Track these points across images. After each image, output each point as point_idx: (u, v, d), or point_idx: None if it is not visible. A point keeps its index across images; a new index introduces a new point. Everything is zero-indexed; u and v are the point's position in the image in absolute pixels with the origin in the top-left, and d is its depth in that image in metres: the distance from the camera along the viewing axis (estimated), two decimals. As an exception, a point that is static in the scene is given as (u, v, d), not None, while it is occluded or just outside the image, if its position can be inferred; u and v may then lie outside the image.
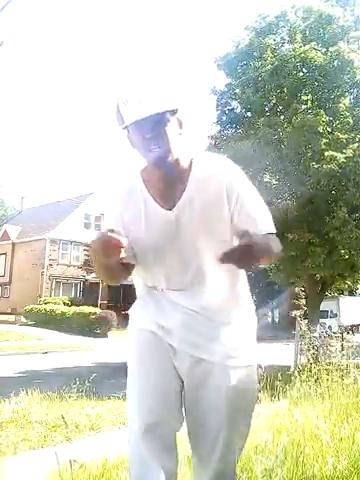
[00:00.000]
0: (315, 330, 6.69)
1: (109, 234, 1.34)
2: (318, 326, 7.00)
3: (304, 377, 3.98)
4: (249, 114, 14.01)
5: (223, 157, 1.64)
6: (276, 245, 1.56)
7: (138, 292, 1.74)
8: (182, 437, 1.68)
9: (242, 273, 1.66)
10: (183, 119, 1.54)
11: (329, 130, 12.43)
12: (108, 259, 1.40)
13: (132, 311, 1.74)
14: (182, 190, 1.54)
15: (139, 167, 1.64)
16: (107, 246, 1.35)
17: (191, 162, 1.57)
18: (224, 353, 1.55)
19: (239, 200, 1.53)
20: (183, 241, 1.54)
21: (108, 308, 25.56)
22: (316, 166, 11.48)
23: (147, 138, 1.44)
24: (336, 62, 12.32)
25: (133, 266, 1.61)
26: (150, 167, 1.55)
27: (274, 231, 1.56)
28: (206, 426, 1.56)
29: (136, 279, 1.73)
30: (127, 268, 1.59)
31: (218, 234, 1.54)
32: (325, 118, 12.10)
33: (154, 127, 1.44)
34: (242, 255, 1.35)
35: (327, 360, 4.66)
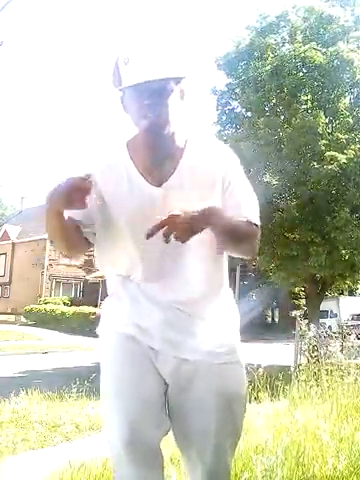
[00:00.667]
0: (313, 330, 6.68)
1: (75, 177, 1.19)
2: (312, 326, 6.99)
3: (304, 377, 3.98)
4: (249, 114, 14.00)
5: (221, 143, 1.52)
6: (252, 235, 1.43)
7: (110, 287, 1.55)
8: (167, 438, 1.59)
9: (224, 264, 1.51)
10: (186, 90, 1.39)
11: (329, 131, 12.43)
12: (66, 206, 1.24)
13: (104, 310, 1.57)
14: (172, 169, 1.38)
15: (125, 137, 1.45)
16: (69, 190, 1.20)
17: (186, 142, 1.41)
18: (208, 351, 1.41)
19: (231, 189, 1.41)
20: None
21: (108, 308, 25.53)
22: (316, 166, 11.47)
23: (145, 104, 1.28)
24: (336, 62, 12.31)
25: (93, 237, 1.43)
26: (141, 137, 1.38)
27: (257, 223, 1.44)
28: (194, 428, 1.43)
29: (108, 271, 1.56)
30: (85, 240, 1.43)
31: None
32: (325, 119, 12.11)
33: (154, 93, 1.28)
34: (203, 215, 1.23)
35: (327, 360, 4.66)
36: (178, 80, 1.35)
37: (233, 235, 1.35)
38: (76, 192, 1.20)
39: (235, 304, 1.58)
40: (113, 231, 1.41)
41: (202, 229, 1.25)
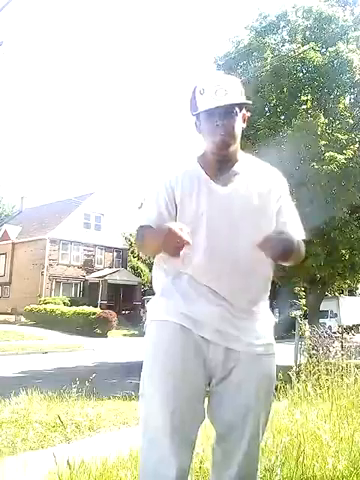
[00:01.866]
0: (308, 330, 6.68)
1: (179, 232, 1.45)
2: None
3: (304, 377, 3.98)
4: (249, 114, 13.99)
5: (270, 165, 1.82)
6: (303, 250, 1.71)
7: (160, 285, 1.73)
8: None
9: (271, 268, 1.74)
10: (246, 117, 1.73)
11: (329, 131, 12.44)
12: (164, 252, 1.53)
13: (153, 303, 1.74)
14: (235, 175, 1.70)
15: (196, 154, 1.79)
16: (171, 244, 1.47)
17: (243, 156, 1.76)
18: (251, 343, 1.65)
19: (282, 203, 1.74)
20: (234, 219, 1.65)
21: (108, 308, 25.56)
22: (316, 166, 11.48)
23: (217, 125, 1.62)
24: (335, 62, 12.31)
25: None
26: (211, 151, 1.69)
27: (304, 238, 1.73)
28: (234, 410, 1.64)
29: (158, 271, 1.76)
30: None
31: (263, 223, 1.66)
32: (324, 119, 12.11)
33: (225, 116, 1.62)
34: (276, 243, 1.51)
35: (326, 360, 4.65)
36: (241, 106, 1.69)
37: (296, 254, 1.64)
38: (172, 247, 1.48)
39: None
40: (189, 220, 1.63)
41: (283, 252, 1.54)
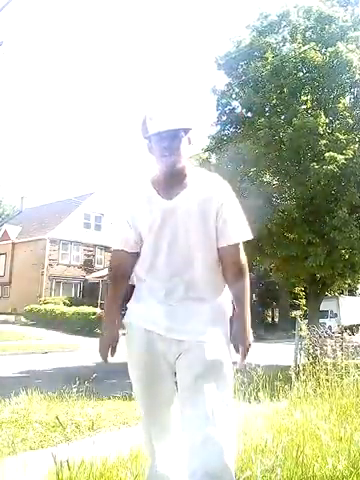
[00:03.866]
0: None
1: (104, 350, 2.07)
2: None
3: (304, 377, 3.98)
4: (250, 114, 14.00)
5: (217, 176, 2.02)
6: (245, 278, 1.98)
7: (135, 290, 2.10)
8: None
9: (220, 270, 2.01)
10: (193, 138, 1.98)
11: (329, 131, 12.44)
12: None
13: (130, 302, 2.09)
14: (181, 190, 1.95)
15: (149, 176, 2.06)
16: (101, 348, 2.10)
17: (191, 173, 2.00)
18: (196, 331, 1.92)
19: (224, 207, 1.94)
20: (177, 227, 1.92)
21: (108, 308, 25.50)
22: (316, 166, 11.48)
23: (163, 147, 1.88)
24: (335, 62, 12.32)
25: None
26: (160, 170, 1.96)
27: (246, 238, 1.99)
28: (190, 389, 1.86)
29: (134, 278, 2.10)
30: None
31: (206, 230, 1.93)
32: (325, 119, 12.11)
33: (170, 139, 1.88)
34: (242, 349, 1.95)
35: (325, 360, 4.65)
36: (186, 130, 1.94)
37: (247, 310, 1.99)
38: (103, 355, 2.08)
39: (228, 297, 2.05)
40: (144, 243, 1.99)
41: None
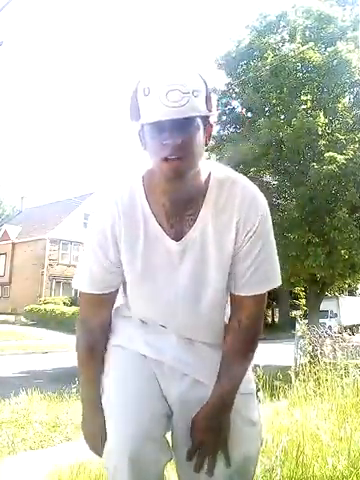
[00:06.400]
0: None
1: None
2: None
3: (304, 377, 3.98)
4: (250, 114, 14.02)
5: (249, 185, 1.28)
6: (253, 334, 1.33)
7: (118, 303, 1.41)
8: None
9: (225, 311, 1.39)
10: (213, 127, 1.21)
11: (328, 131, 12.44)
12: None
13: (113, 322, 1.41)
14: (194, 215, 1.23)
15: (141, 169, 1.27)
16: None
17: (209, 180, 1.23)
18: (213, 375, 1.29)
19: (252, 244, 1.23)
20: (185, 276, 1.26)
21: (108, 308, 25.54)
22: (316, 167, 11.49)
23: (165, 144, 1.09)
24: (335, 62, 12.33)
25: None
26: (159, 180, 1.18)
27: (274, 286, 1.29)
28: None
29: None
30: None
31: (224, 269, 1.26)
32: (324, 119, 12.12)
33: (178, 133, 1.08)
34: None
35: (325, 359, 4.65)
36: (206, 117, 1.15)
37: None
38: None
39: None
40: (132, 280, 1.30)
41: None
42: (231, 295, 1.31)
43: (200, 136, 1.13)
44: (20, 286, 29.53)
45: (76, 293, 30.50)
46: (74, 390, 5.15)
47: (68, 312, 24.09)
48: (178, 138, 1.08)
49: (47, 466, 2.65)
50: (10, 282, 31.20)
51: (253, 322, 1.30)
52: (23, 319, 25.34)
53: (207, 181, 1.23)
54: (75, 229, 30.44)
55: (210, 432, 1.25)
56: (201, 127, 1.13)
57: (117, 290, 1.35)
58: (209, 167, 1.25)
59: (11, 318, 25.72)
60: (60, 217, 30.62)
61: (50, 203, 34.54)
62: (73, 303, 27.05)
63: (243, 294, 1.27)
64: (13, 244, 31.86)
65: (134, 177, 1.27)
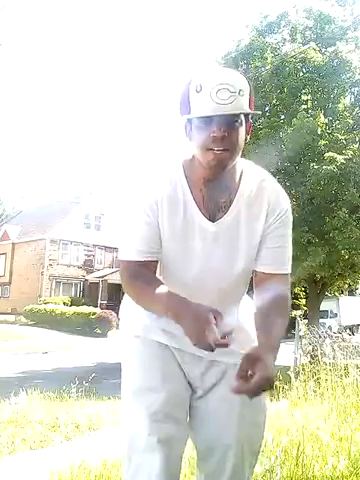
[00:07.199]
0: (310, 330, 6.69)
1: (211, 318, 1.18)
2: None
3: (304, 377, 3.98)
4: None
5: (273, 181, 1.48)
6: (285, 301, 1.42)
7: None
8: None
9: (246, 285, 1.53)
10: (252, 124, 1.37)
11: (328, 131, 12.45)
12: (195, 344, 1.22)
13: (126, 314, 1.55)
14: (228, 202, 1.38)
15: (181, 157, 1.43)
16: (205, 339, 1.18)
17: (242, 173, 1.41)
18: (238, 354, 1.34)
19: (274, 231, 1.41)
20: (216, 256, 1.39)
21: (108, 308, 25.54)
22: (316, 167, 11.49)
23: (213, 136, 1.23)
24: (335, 62, 12.34)
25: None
26: (202, 169, 1.33)
27: (289, 271, 1.46)
28: (216, 429, 1.43)
29: None
30: None
31: (252, 254, 1.42)
32: (324, 119, 12.13)
33: (226, 127, 1.23)
34: (255, 387, 1.16)
35: (325, 359, 4.66)
36: (248, 115, 1.31)
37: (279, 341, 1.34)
38: (207, 342, 1.18)
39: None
40: (166, 258, 1.42)
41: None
42: (258, 276, 1.44)
43: (243, 131, 1.29)
44: (20, 286, 29.53)
45: (76, 293, 30.51)
46: (74, 390, 5.16)
47: (68, 312, 24.08)
48: (225, 132, 1.23)
49: (47, 466, 2.65)
50: (10, 282, 31.19)
51: (281, 295, 1.42)
52: (23, 319, 25.33)
53: (241, 174, 1.41)
54: (75, 229, 30.42)
55: (259, 363, 1.19)
56: (244, 123, 1.29)
57: (156, 264, 1.42)
58: (243, 163, 1.43)
59: (11, 318, 25.70)
60: (60, 217, 30.61)
61: (50, 203, 34.53)
62: (73, 303, 27.06)
63: (267, 271, 1.42)
64: (13, 244, 31.85)
65: (175, 165, 1.42)
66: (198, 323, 1.19)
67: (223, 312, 1.32)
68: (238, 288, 1.50)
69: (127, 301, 1.52)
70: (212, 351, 1.19)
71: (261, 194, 1.40)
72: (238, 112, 1.25)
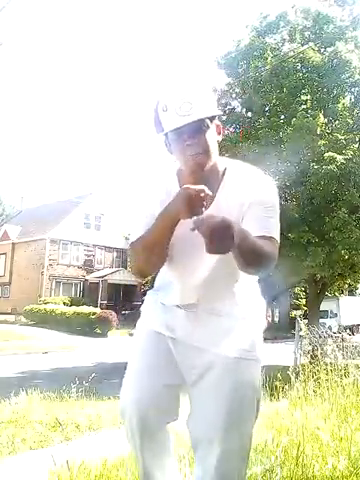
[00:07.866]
0: (310, 330, 6.68)
1: (191, 188, 1.35)
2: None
3: (304, 377, 3.98)
4: (250, 114, 14.01)
5: (257, 171, 1.60)
6: (268, 250, 1.45)
7: (145, 300, 1.81)
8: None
9: (242, 276, 1.61)
10: (221, 125, 1.55)
11: (328, 131, 12.44)
12: (191, 214, 1.35)
13: (143, 308, 1.78)
14: (212, 197, 1.47)
15: (176, 167, 1.63)
16: (194, 199, 1.35)
17: (225, 171, 1.57)
18: (227, 345, 1.56)
19: (252, 209, 1.51)
20: (199, 245, 1.42)
21: (108, 308, 25.56)
22: (316, 167, 11.48)
23: (187, 145, 1.45)
24: (334, 62, 12.34)
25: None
26: (186, 172, 1.52)
27: (276, 238, 1.51)
28: (204, 417, 1.54)
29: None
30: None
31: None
32: (324, 119, 12.12)
33: (194, 134, 1.44)
34: (217, 231, 1.26)
35: (325, 359, 4.66)
36: (213, 118, 1.50)
37: (249, 249, 1.39)
38: (197, 200, 1.35)
39: (261, 311, 1.72)
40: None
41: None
42: None
43: (211, 133, 1.49)
44: (20, 286, 29.53)
45: (76, 293, 30.52)
46: (74, 390, 5.15)
47: (68, 312, 24.08)
48: (195, 138, 1.44)
49: (47, 466, 2.65)
50: (10, 282, 31.19)
51: (268, 248, 1.46)
52: (23, 319, 25.33)
53: (224, 172, 1.57)
54: (75, 229, 30.42)
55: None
56: (211, 126, 1.49)
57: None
58: (227, 162, 1.60)
59: (11, 318, 25.71)
60: (60, 217, 30.61)
61: (50, 203, 34.53)
62: (73, 303, 27.06)
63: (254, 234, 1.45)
64: (13, 244, 31.85)
65: (171, 172, 1.64)
66: (181, 194, 1.38)
67: (212, 295, 1.58)
68: (227, 267, 1.52)
69: (145, 300, 1.78)
70: (203, 207, 1.34)
71: (242, 184, 1.54)
72: (203, 117, 1.44)
